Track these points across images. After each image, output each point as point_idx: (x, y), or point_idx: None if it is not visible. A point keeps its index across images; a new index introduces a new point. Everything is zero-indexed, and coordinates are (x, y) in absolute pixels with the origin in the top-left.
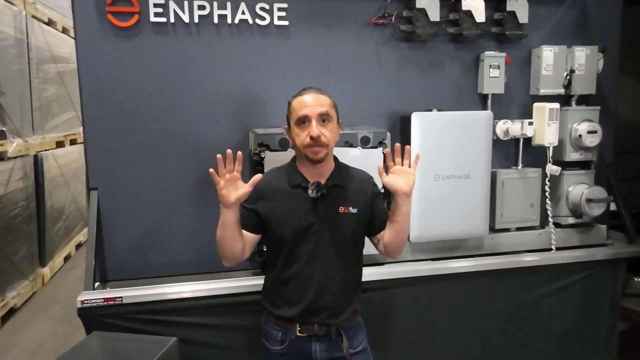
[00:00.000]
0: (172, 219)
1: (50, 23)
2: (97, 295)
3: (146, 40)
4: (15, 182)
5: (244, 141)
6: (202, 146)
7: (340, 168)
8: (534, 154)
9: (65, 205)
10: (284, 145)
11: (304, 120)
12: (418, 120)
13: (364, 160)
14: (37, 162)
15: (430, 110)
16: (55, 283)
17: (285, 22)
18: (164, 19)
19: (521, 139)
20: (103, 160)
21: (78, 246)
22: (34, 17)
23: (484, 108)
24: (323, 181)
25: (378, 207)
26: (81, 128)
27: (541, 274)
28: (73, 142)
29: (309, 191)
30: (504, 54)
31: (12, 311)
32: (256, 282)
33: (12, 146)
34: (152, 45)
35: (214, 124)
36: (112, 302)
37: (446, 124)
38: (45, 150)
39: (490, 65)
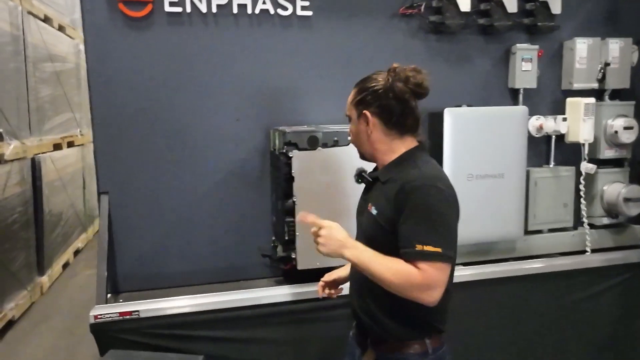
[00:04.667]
0: (188, 224)
1: (46, 20)
2: (111, 309)
3: (160, 32)
4: (13, 186)
5: (264, 140)
6: (221, 146)
7: (398, 163)
8: (565, 152)
9: (63, 211)
10: (312, 143)
11: None
12: (451, 117)
13: None
14: (35, 166)
15: (460, 105)
16: (54, 292)
17: (309, 13)
18: (179, 9)
19: (553, 136)
20: (114, 161)
21: (76, 253)
22: (29, 13)
23: (514, 103)
24: None
25: (400, 220)
26: (78, 130)
27: (576, 278)
28: (70, 144)
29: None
30: (536, 46)
31: (10, 323)
32: (278, 292)
33: (10, 148)
34: (167, 38)
35: (233, 122)
36: (128, 317)
37: (480, 120)
38: (42, 153)
39: (522, 59)
